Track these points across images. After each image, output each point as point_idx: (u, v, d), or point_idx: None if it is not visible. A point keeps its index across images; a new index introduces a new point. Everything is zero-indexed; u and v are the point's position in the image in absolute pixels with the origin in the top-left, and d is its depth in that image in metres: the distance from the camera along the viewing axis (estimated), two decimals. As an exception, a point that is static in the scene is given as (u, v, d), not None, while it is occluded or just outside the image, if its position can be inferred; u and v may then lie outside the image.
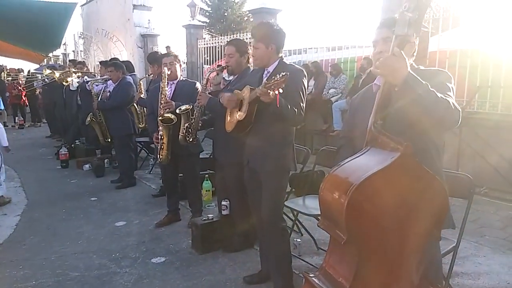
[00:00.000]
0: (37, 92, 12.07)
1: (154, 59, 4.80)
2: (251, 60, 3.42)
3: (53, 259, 3.52)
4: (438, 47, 5.87)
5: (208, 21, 25.74)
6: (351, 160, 1.60)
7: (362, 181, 1.42)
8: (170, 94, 3.95)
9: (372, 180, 1.43)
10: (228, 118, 2.83)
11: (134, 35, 13.83)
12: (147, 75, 7.12)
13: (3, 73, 13.23)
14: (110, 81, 5.74)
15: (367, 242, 1.47)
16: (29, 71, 14.86)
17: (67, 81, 7.44)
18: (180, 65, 4.10)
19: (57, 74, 7.79)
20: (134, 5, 13.68)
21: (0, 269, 3.35)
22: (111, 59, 7.45)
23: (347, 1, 51.25)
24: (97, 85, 6.18)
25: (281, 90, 2.24)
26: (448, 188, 1.56)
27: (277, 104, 2.34)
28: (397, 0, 5.30)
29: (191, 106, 3.58)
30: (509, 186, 4.80)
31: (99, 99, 5.80)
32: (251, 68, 3.30)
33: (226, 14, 26.44)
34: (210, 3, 26.78)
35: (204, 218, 3.64)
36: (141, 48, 13.89)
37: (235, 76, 3.33)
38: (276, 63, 2.68)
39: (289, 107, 2.47)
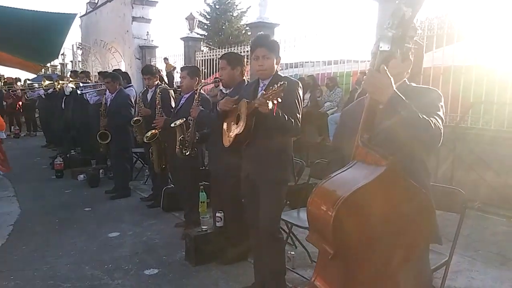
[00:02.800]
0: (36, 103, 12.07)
1: (147, 71, 5.16)
2: (245, 72, 3.46)
3: (45, 269, 3.49)
4: (432, 63, 5.95)
5: (206, 34, 26.01)
6: (338, 173, 1.59)
7: (349, 194, 1.42)
8: (179, 106, 4.09)
9: (359, 194, 1.43)
10: (226, 133, 2.82)
11: (133, 46, 13.92)
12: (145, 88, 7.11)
13: (0, 82, 13.25)
14: (108, 93, 5.75)
15: (355, 255, 1.47)
16: (25, 81, 14.87)
17: (61, 85, 7.49)
18: (198, 78, 4.18)
19: (58, 86, 7.85)
20: (133, 17, 13.78)
21: (-9, 279, 3.32)
22: (113, 70, 7.49)
23: (344, 17, 51.97)
24: (95, 96, 6.19)
25: (279, 100, 2.25)
26: (441, 203, 1.57)
27: (273, 113, 2.35)
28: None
29: (183, 120, 3.63)
30: (503, 201, 4.82)
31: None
32: (246, 81, 3.34)
33: (224, 27, 26.75)
34: (208, 17, 27.11)
35: (198, 230, 3.63)
36: (139, 60, 13.97)
37: (231, 89, 3.36)
38: (272, 76, 2.71)
39: (286, 117, 2.49)
